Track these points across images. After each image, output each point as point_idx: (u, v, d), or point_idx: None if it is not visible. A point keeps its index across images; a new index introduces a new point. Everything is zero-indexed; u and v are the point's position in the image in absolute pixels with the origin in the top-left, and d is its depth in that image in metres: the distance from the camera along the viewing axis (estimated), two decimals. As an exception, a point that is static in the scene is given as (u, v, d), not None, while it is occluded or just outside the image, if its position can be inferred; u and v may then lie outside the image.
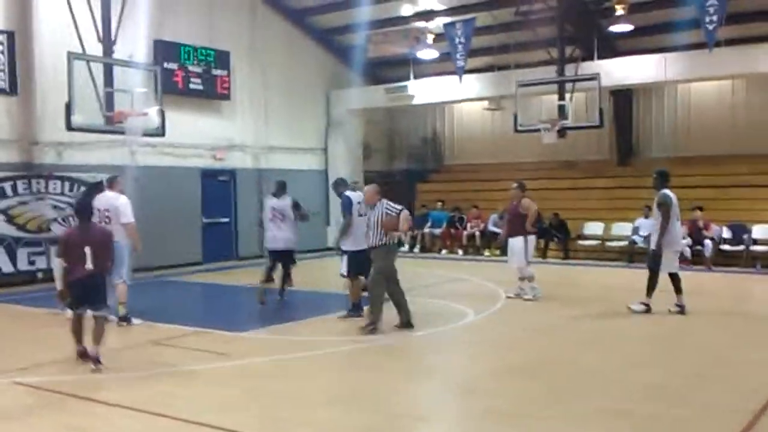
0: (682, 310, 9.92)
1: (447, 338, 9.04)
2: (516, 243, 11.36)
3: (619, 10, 16.05)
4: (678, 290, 9.98)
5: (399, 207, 9.24)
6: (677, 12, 15.56)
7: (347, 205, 9.96)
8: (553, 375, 7.09)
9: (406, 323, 9.20)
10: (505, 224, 11.97)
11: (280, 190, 11.48)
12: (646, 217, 16.40)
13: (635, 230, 16.65)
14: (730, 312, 10.69)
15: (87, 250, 7.10)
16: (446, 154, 23.35)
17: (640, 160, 19.49)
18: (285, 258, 11.41)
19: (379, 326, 9.01)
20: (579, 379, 6.93)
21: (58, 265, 7.41)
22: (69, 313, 10.15)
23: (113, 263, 7.77)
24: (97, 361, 7.14)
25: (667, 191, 9.94)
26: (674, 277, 9.98)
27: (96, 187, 11.13)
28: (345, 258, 10.07)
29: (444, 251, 19.21)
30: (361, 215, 9.93)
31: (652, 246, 10.04)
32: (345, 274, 10.19)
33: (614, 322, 9.74)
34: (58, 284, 7.98)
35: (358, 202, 9.98)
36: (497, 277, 13.95)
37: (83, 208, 7.66)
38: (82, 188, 14.10)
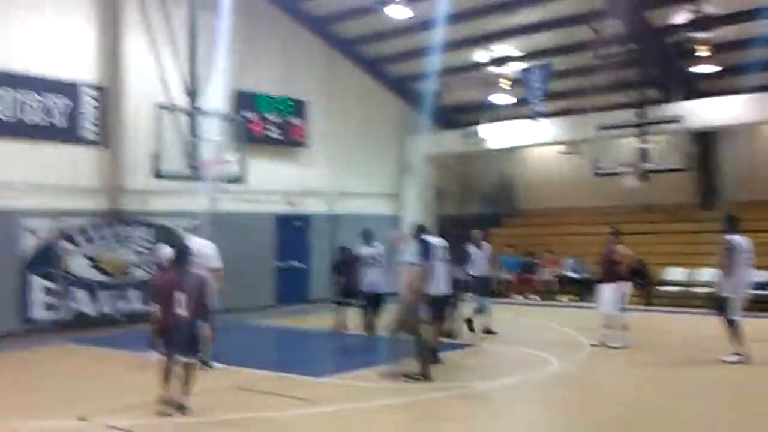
0: (743, 359, 9.43)
1: (534, 388, 8.72)
2: (607, 289, 11.06)
3: (703, 51, 15.71)
4: (738, 339, 9.55)
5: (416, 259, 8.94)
6: (764, 52, 15.09)
7: (426, 250, 9.87)
8: (655, 428, 6.71)
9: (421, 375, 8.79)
10: (601, 270, 11.63)
11: (369, 237, 12.40)
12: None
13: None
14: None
15: (181, 296, 7.01)
16: (520, 198, 23.04)
17: (725, 204, 18.74)
18: (377, 301, 11.98)
19: (429, 374, 8.73)
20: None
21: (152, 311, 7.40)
22: (152, 356, 10.40)
23: (208, 309, 7.62)
24: (183, 408, 7.08)
25: (734, 236, 9.77)
26: (734, 325, 9.57)
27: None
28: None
29: (518, 296, 18.81)
30: (440, 260, 9.83)
31: (721, 292, 9.71)
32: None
33: (707, 372, 9.23)
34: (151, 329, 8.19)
35: (437, 247, 9.89)
36: (576, 324, 13.57)
37: (182, 254, 7.49)
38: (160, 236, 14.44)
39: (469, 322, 12.34)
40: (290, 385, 8.71)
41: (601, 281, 11.31)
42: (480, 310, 12.42)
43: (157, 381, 7.43)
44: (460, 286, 11.99)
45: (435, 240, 10.06)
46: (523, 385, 8.77)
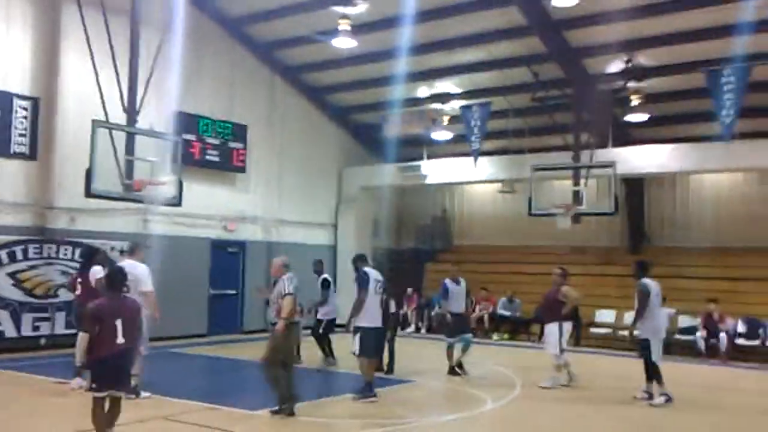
0: (668, 399, 9.88)
1: (470, 427, 8.71)
2: (552, 329, 11.19)
3: (635, 100, 16.33)
4: (659, 380, 9.97)
5: (290, 289, 8.67)
6: (692, 104, 15.79)
7: (364, 281, 9.82)
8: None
9: (283, 410, 8.58)
10: (542, 309, 11.90)
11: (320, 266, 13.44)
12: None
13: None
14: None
15: (118, 323, 6.54)
16: (456, 234, 23.28)
17: (653, 249, 19.39)
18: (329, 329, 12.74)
19: (293, 407, 8.56)
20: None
21: (81, 338, 6.76)
22: (74, 383, 9.96)
23: (140, 336, 7.25)
24: None
25: (647, 280, 10.23)
26: (655, 367, 10.00)
27: (95, 255, 10.99)
28: (358, 336, 9.85)
29: (452, 333, 18.87)
30: (377, 293, 9.79)
31: (639, 334, 10.14)
32: (356, 352, 9.94)
33: (641, 412, 9.43)
34: (80, 358, 7.70)
35: (376, 279, 9.86)
36: (508, 362, 13.73)
37: (116, 278, 7.01)
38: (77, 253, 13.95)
39: (460, 366, 12.04)
40: (220, 416, 8.47)
41: (545, 321, 11.43)
42: (465, 348, 12.07)
43: (74, 409, 7.06)
44: (392, 320, 12.01)
45: (372, 272, 10.00)
46: (459, 424, 8.75)
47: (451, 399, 10.25)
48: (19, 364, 11.90)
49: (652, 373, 9.99)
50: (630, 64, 15.96)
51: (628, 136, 18.18)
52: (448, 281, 12.19)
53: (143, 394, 9.33)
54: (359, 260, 10.49)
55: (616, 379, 12.53)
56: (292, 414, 8.51)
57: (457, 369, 12.02)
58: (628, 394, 10.41)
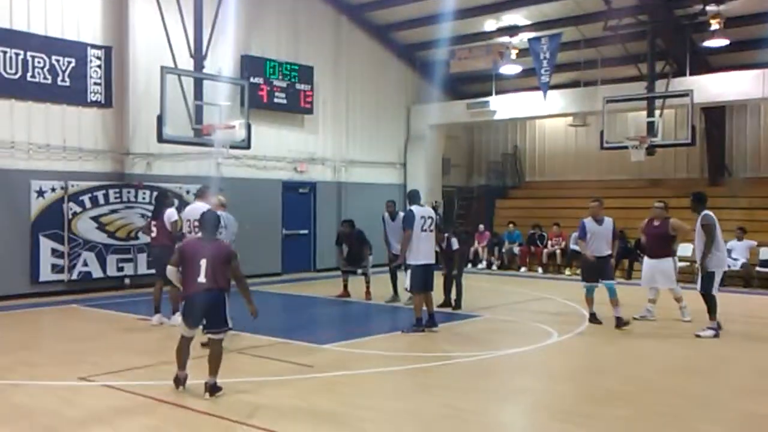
0: (717, 333, 9.73)
1: (532, 359, 8.76)
2: (666, 264, 10.82)
3: (714, 25, 15.50)
4: (713, 312, 9.81)
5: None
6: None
7: (409, 219, 9.87)
8: (653, 402, 6.75)
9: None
10: (649, 245, 11.11)
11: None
12: (739, 239, 15.73)
13: (728, 253, 15.87)
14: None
15: (202, 263, 6.50)
16: (527, 170, 22.96)
17: (733, 180, 18.68)
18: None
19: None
20: (682, 407, 6.58)
21: (171, 271, 6.99)
22: (155, 319, 10.49)
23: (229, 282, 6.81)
24: (213, 389, 6.55)
25: (708, 212, 9.91)
26: (713, 299, 9.81)
27: (166, 199, 11.36)
28: (409, 272, 9.99)
29: (523, 269, 18.85)
30: (424, 230, 9.82)
31: (703, 268, 9.80)
32: (408, 288, 10.13)
33: (707, 348, 9.27)
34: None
35: (422, 216, 9.87)
36: (579, 297, 13.58)
37: (209, 220, 6.88)
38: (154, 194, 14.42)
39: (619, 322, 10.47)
40: (292, 351, 8.78)
41: (657, 256, 10.85)
42: (611, 295, 10.52)
43: (157, 344, 7.47)
44: (456, 257, 12.00)
45: (418, 209, 9.96)
46: (521, 356, 8.81)
47: (515, 333, 10.28)
48: (105, 302, 12.61)
49: (711, 305, 9.78)
50: (709, -14, 15.12)
51: (706, 63, 17.36)
52: (587, 221, 10.57)
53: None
54: (409, 198, 10.48)
55: (695, 313, 12.30)
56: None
57: (597, 317, 10.66)
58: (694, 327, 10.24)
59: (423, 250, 9.81)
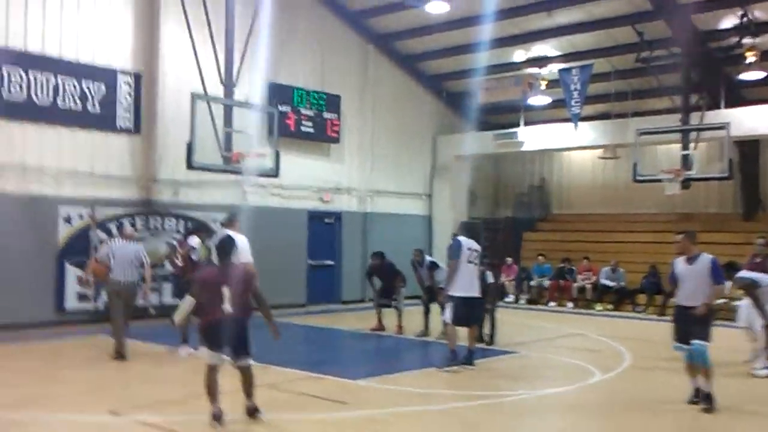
0: None
1: (576, 399, 8.39)
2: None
3: (750, 57, 15.25)
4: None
5: None
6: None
7: (455, 249, 9.61)
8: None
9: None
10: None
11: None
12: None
13: None
14: None
15: (225, 290, 6.47)
16: (554, 202, 22.63)
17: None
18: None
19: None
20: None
21: (186, 300, 6.94)
22: (183, 351, 10.23)
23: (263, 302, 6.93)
24: (254, 411, 6.67)
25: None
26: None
27: (195, 229, 11.27)
28: (450, 304, 9.67)
29: (552, 303, 18.44)
30: (470, 262, 9.56)
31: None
32: (447, 320, 9.76)
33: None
34: (178, 317, 7.97)
35: (469, 248, 9.62)
36: (614, 333, 13.25)
37: (225, 246, 6.86)
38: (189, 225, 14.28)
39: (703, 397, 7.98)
40: (324, 386, 8.47)
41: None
42: (701, 362, 8.44)
43: (193, 381, 7.15)
44: (491, 291, 11.73)
45: (465, 241, 9.75)
46: (564, 395, 8.44)
47: (555, 371, 9.93)
48: (131, 332, 12.31)
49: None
50: (745, 19, 14.90)
51: (741, 96, 17.06)
52: (677, 261, 7.90)
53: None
54: (458, 229, 10.26)
55: (732, 351, 11.85)
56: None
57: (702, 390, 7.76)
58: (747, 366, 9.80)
59: (466, 282, 9.54)
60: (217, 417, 6.47)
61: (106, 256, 10.25)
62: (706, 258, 7.72)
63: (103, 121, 13.69)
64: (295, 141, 16.71)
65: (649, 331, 13.64)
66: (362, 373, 9.25)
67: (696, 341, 7.55)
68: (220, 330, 6.47)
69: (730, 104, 16.37)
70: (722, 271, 7.86)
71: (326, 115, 17.45)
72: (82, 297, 13.17)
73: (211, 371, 6.56)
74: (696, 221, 18.95)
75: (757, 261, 10.51)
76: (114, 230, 13.64)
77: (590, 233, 19.90)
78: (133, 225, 13.86)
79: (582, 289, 18.07)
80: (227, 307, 6.45)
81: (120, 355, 9.85)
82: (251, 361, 6.69)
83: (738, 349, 10.12)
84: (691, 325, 7.60)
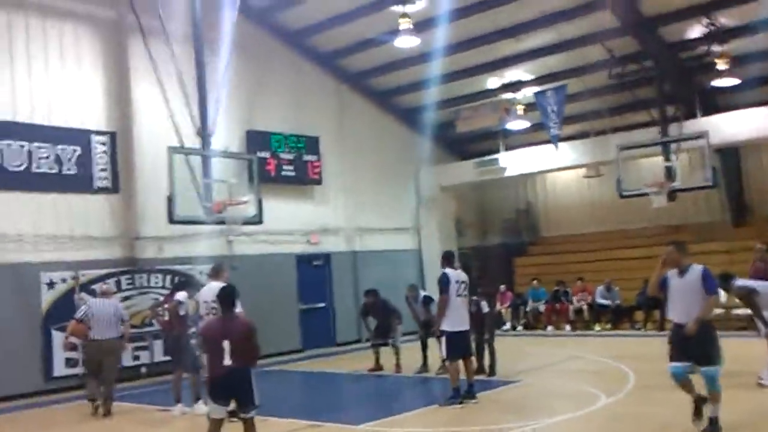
0: None
1: (585, 427, 8.15)
2: None
3: (722, 65, 15.35)
4: None
5: None
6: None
7: (444, 283, 9.43)
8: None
9: None
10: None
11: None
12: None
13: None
14: None
15: (225, 344, 6.37)
16: (543, 225, 22.54)
17: (757, 219, 18.24)
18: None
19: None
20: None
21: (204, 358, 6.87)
22: (176, 410, 9.93)
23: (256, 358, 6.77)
24: None
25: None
26: None
27: (181, 284, 11.11)
28: (444, 339, 9.46)
29: (549, 328, 18.22)
30: (459, 295, 9.39)
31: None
32: (445, 356, 9.57)
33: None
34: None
35: (457, 281, 9.44)
36: (614, 353, 13.04)
37: (228, 295, 6.75)
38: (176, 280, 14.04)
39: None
40: (325, 434, 8.21)
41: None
42: (708, 385, 7.62)
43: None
44: (487, 320, 11.53)
45: (453, 273, 9.54)
46: (575, 423, 8.20)
47: (560, 397, 9.69)
48: (122, 394, 11.98)
49: None
50: (711, 27, 15.02)
51: (717, 103, 17.14)
52: (669, 274, 7.24)
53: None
54: (443, 260, 10.04)
55: (735, 361, 11.66)
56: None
57: (701, 405, 7.12)
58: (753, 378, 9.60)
59: (458, 316, 9.35)
60: None
61: (86, 316, 10.11)
62: (696, 268, 7.09)
63: (80, 182, 13.51)
64: (277, 186, 16.57)
65: (649, 347, 13.43)
66: (363, 417, 8.97)
67: (706, 368, 6.89)
68: (223, 384, 6.43)
69: (707, 113, 16.44)
70: (715, 280, 7.28)
71: (306, 157, 17.36)
72: (69, 362, 12.82)
73: (214, 424, 6.54)
74: (686, 232, 18.87)
75: (759, 264, 10.50)
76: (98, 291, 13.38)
77: (581, 253, 19.78)
78: (117, 284, 13.65)
79: (579, 311, 17.88)
80: (227, 361, 6.37)
81: (105, 411, 9.81)
82: (255, 413, 6.55)
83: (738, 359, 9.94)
84: (688, 345, 6.88)
